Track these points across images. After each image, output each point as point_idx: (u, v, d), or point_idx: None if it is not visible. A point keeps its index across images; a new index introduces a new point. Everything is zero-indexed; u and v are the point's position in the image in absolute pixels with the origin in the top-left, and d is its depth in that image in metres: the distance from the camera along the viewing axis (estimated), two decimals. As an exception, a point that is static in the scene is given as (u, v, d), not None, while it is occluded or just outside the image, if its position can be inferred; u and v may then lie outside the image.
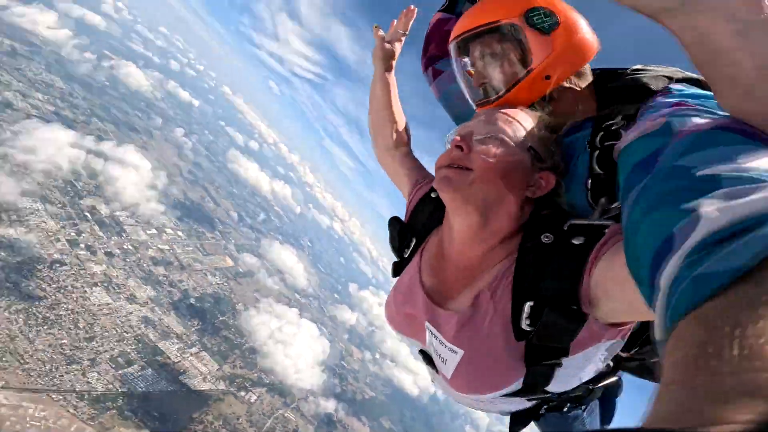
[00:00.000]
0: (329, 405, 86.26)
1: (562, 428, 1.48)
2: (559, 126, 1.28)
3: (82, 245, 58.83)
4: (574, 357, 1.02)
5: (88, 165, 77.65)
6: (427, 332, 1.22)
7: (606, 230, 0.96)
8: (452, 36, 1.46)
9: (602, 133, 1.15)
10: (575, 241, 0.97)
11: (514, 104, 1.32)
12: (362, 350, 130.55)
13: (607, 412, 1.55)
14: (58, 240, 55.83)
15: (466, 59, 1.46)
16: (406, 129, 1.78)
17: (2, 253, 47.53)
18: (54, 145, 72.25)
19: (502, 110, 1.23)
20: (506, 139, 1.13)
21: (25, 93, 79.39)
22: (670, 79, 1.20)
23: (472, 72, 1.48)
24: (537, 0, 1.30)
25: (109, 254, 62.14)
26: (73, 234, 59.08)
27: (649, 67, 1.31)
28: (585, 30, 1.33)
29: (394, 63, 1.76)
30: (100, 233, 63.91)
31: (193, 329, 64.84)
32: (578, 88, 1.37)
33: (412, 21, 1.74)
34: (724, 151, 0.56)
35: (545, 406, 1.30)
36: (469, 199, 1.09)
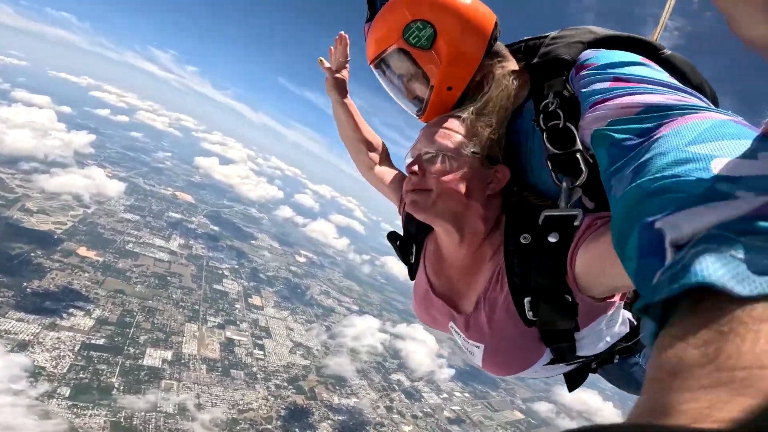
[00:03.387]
0: None
1: (621, 374, 1.59)
2: (501, 111, 1.27)
3: (395, 410, 73.03)
4: (587, 329, 1.11)
5: (392, 345, 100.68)
6: (452, 331, 1.36)
7: (576, 221, 1.00)
8: (367, 62, 1.47)
9: (542, 114, 1.15)
10: (551, 239, 1.02)
11: (436, 116, 1.35)
12: None
13: None
14: (378, 407, 71.96)
15: (385, 78, 1.47)
16: (379, 145, 1.84)
17: (343, 417, 64.93)
18: (369, 332, 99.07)
19: (438, 124, 1.27)
20: (449, 153, 1.19)
21: (338, 298, 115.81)
22: (582, 43, 1.19)
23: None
24: (409, 13, 1.28)
25: (415, 416, 73.69)
26: (387, 402, 74.92)
27: (563, 33, 1.28)
28: (466, 18, 1.28)
29: (347, 88, 1.83)
30: (406, 401, 78.06)
31: None
32: (502, 68, 1.35)
33: (347, 47, 1.79)
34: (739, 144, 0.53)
35: (593, 364, 1.39)
36: (438, 215, 1.19)
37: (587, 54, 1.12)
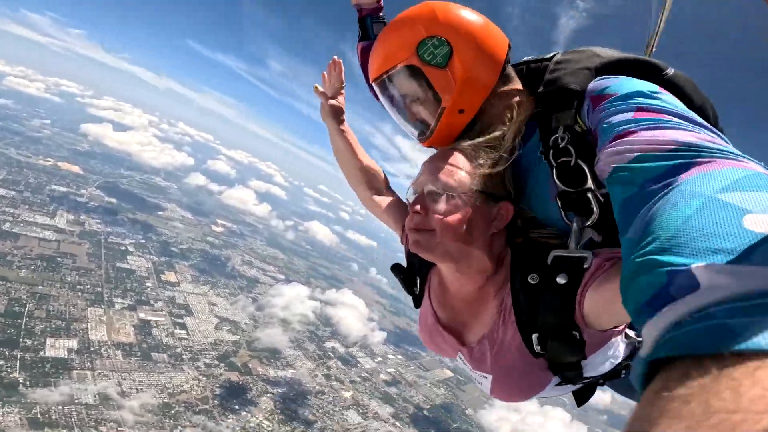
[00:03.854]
0: None
1: (628, 386, 1.61)
2: (510, 147, 1.21)
3: (333, 378, 72.47)
4: (593, 356, 1.12)
5: (323, 312, 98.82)
6: (460, 360, 1.37)
7: (586, 264, 1.00)
8: (369, 79, 1.42)
9: (552, 150, 1.12)
10: (560, 280, 1.02)
11: (444, 140, 1.34)
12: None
13: None
14: (317, 376, 70.80)
15: (389, 97, 1.40)
16: (379, 173, 1.81)
17: (283, 389, 62.81)
18: (298, 300, 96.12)
19: (442, 159, 1.22)
20: (452, 193, 1.15)
21: (262, 268, 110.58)
22: (589, 69, 1.16)
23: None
24: (424, 29, 1.22)
25: (353, 382, 73.92)
26: (325, 370, 73.91)
27: (567, 57, 1.24)
28: (482, 39, 1.24)
29: (343, 116, 1.79)
30: (343, 367, 77.86)
31: None
32: (508, 94, 1.31)
33: (342, 72, 1.76)
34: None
35: (601, 381, 1.40)
36: (441, 255, 1.17)
37: (604, 83, 1.07)
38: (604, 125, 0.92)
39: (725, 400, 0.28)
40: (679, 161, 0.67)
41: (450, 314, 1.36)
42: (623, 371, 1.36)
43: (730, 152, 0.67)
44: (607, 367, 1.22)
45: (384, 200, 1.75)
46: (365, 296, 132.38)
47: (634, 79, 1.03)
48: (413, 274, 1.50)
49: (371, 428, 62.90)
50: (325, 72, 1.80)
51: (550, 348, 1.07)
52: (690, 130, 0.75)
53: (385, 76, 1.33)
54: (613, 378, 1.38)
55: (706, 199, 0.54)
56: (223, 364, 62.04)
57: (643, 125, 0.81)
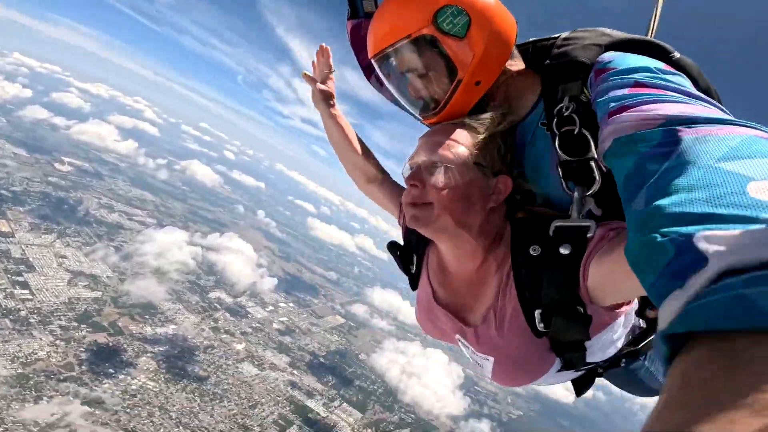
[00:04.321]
0: (483, 427, 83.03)
1: (626, 377, 1.59)
2: (504, 120, 1.23)
3: (222, 330, 67.07)
4: (597, 337, 1.09)
5: (206, 259, 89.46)
6: (460, 343, 1.34)
7: (589, 233, 0.99)
8: (370, 53, 1.36)
9: (556, 119, 1.13)
10: (563, 251, 1.01)
11: (455, 115, 1.29)
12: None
13: None
14: (203, 330, 64.59)
15: (393, 72, 1.35)
16: (372, 155, 1.81)
17: (165, 347, 56.00)
18: (175, 246, 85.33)
19: (439, 133, 1.21)
20: (450, 165, 1.14)
21: (126, 212, 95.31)
22: (599, 46, 1.15)
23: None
24: None
25: (245, 333, 69.82)
26: (212, 323, 67.77)
27: (576, 35, 1.24)
28: (497, 12, 1.22)
29: (334, 101, 1.78)
30: (232, 318, 72.60)
31: (330, 384, 68.89)
32: (514, 72, 1.31)
33: (330, 57, 1.76)
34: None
35: (600, 369, 1.39)
36: (440, 230, 1.15)
37: (606, 57, 1.07)
38: (603, 99, 0.93)
39: (761, 378, 0.28)
40: (677, 133, 0.67)
41: (450, 295, 1.32)
42: (623, 359, 1.36)
43: (727, 119, 0.67)
44: (610, 351, 1.20)
45: (379, 182, 1.76)
46: (252, 240, 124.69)
47: (639, 55, 1.03)
48: (410, 252, 1.47)
49: (269, 378, 60.97)
50: (314, 60, 1.80)
51: (554, 324, 1.04)
52: (686, 103, 0.76)
53: (391, 48, 1.25)
54: (613, 367, 1.38)
55: (707, 169, 0.54)
56: (84, 326, 52.60)
57: (639, 99, 0.82)
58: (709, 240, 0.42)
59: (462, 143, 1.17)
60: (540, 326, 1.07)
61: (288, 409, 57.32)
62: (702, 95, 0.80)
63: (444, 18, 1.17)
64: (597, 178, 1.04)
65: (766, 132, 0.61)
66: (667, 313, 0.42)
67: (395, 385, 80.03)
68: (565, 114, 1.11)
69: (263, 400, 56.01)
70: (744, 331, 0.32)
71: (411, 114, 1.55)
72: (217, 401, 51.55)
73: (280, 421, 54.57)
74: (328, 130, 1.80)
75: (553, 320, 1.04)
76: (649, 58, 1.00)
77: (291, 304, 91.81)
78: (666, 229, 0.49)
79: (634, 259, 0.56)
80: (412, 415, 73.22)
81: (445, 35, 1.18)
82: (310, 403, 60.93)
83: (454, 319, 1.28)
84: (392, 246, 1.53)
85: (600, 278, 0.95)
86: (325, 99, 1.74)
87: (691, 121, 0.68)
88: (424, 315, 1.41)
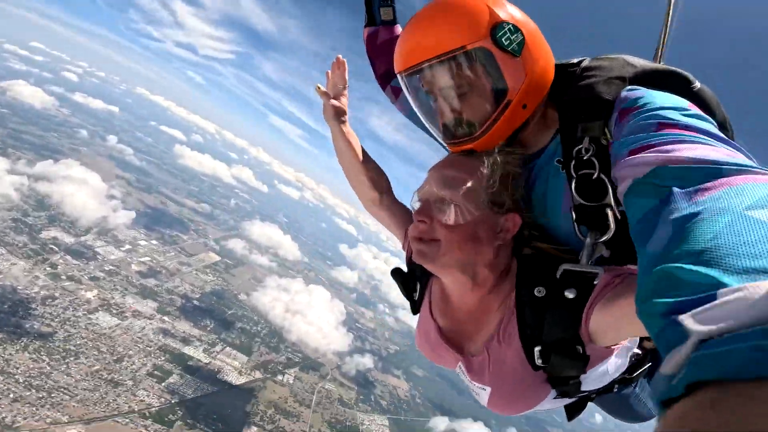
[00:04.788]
0: (366, 361, 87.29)
1: (617, 403, 1.60)
2: (519, 156, 1.20)
3: (64, 277, 55.26)
4: (592, 370, 1.11)
5: (35, 191, 70.73)
6: (459, 371, 1.35)
7: (596, 281, 0.99)
8: (402, 65, 1.23)
9: (574, 161, 1.09)
10: (569, 294, 1.01)
11: (490, 143, 1.21)
12: (371, 308, 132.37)
13: None
14: (38, 278, 52.14)
15: (427, 89, 1.24)
16: (382, 176, 1.76)
17: None
18: None
19: (451, 166, 1.19)
20: (460, 203, 1.13)
21: None
22: (623, 79, 1.09)
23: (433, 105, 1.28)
24: (496, 11, 1.11)
25: (95, 279, 58.86)
26: (48, 268, 54.79)
27: (598, 64, 1.16)
28: (543, 37, 1.19)
29: (346, 117, 1.72)
30: (75, 262, 59.97)
31: (208, 329, 63.94)
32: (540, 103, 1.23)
33: (346, 71, 1.68)
34: None
35: (593, 395, 1.36)
36: (445, 266, 1.16)
37: (630, 95, 1.02)
38: (625, 139, 0.90)
39: None
40: (702, 176, 0.65)
41: (451, 324, 1.34)
42: (616, 385, 1.37)
43: (754, 167, 0.65)
44: (605, 380, 1.22)
45: (386, 205, 1.75)
46: (101, 169, 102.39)
47: (665, 93, 0.99)
48: (414, 280, 1.49)
49: (134, 328, 53.51)
50: (329, 71, 1.71)
51: (553, 362, 1.07)
52: (712, 146, 0.74)
53: (436, 60, 1.15)
54: (605, 392, 1.38)
55: (734, 215, 0.52)
56: None
57: (663, 139, 0.79)
58: (729, 290, 0.42)
59: (474, 180, 1.15)
60: (538, 362, 1.09)
61: (163, 359, 51.75)
62: (726, 138, 0.78)
63: (503, 33, 1.10)
64: (611, 226, 1.03)
65: None
66: (674, 357, 0.41)
67: (280, 324, 78.99)
68: (585, 157, 1.07)
69: (130, 352, 49.26)
70: (758, 380, 0.32)
71: (434, 138, 1.46)
72: (72, 358, 43.63)
73: (156, 372, 49.31)
74: (338, 147, 1.75)
75: (552, 358, 1.06)
76: (674, 96, 0.96)
77: (154, 242, 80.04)
78: (685, 274, 0.49)
79: (642, 299, 0.55)
80: (299, 354, 73.78)
81: (503, 51, 1.11)
82: (188, 350, 55.98)
83: (453, 351, 1.30)
84: (396, 273, 1.53)
85: (602, 322, 0.98)
86: (337, 115, 1.69)
87: (717, 164, 0.66)
88: (424, 340, 1.41)
